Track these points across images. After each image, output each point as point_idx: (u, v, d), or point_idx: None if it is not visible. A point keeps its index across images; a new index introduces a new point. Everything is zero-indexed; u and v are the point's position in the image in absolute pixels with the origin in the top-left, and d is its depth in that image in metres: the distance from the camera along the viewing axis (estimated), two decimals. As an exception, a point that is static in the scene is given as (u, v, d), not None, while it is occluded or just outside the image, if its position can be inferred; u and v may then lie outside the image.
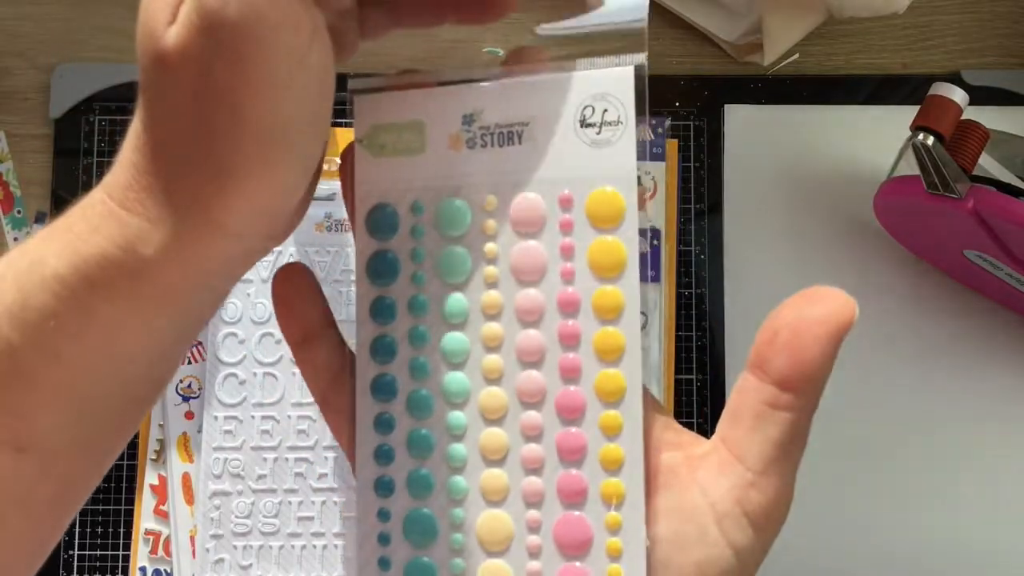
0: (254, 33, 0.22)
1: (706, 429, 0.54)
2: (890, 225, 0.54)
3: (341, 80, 0.26)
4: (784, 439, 0.25)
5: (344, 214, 0.53)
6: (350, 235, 0.50)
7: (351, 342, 0.28)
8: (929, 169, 0.46)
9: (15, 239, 0.55)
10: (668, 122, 0.56)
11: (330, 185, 0.54)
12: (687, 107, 0.57)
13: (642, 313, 0.57)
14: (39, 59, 0.57)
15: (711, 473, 0.25)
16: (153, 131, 0.24)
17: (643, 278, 0.55)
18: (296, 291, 0.28)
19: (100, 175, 0.55)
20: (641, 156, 0.26)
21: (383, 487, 0.27)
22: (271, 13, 0.22)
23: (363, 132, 0.27)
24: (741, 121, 0.57)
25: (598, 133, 0.26)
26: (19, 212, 0.56)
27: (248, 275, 0.54)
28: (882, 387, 0.55)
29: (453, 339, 0.27)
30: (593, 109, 0.26)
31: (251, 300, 0.54)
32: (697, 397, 0.55)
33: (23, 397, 0.25)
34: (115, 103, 0.56)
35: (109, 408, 0.27)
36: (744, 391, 0.25)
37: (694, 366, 0.55)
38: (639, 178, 0.56)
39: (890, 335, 0.55)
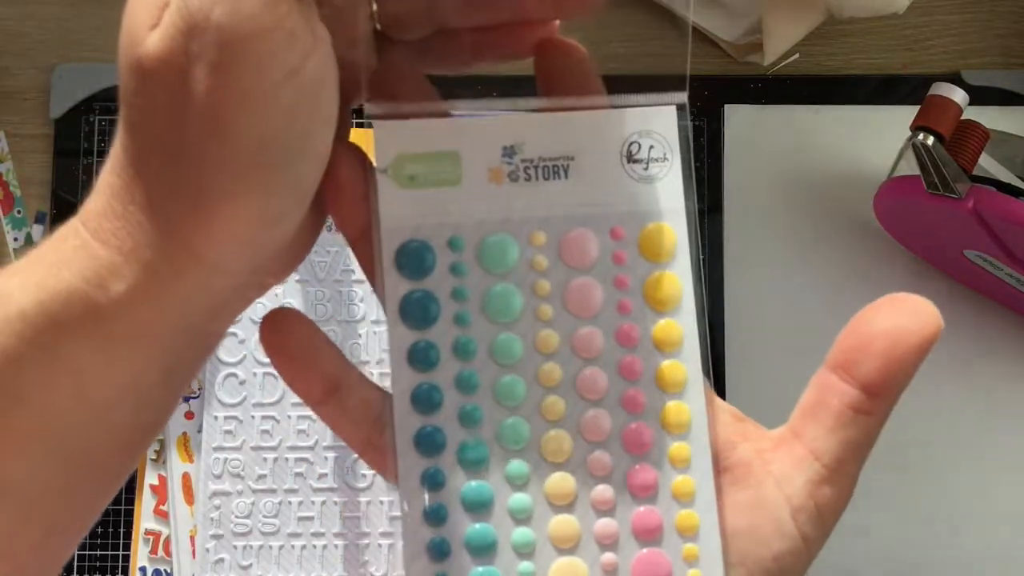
0: (242, 38, 0.20)
1: (706, 429, 0.55)
2: (890, 225, 0.54)
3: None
4: (861, 441, 0.26)
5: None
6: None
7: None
8: (929, 169, 0.46)
9: (15, 239, 0.55)
10: (668, 122, 0.56)
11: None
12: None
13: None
14: (39, 59, 0.57)
15: (786, 467, 0.25)
16: (130, 149, 0.22)
17: (643, 278, 0.55)
18: (295, 341, 0.25)
19: (100, 175, 0.55)
20: (688, 191, 0.26)
21: (437, 551, 0.24)
22: (264, 17, 0.20)
23: (387, 161, 0.25)
24: (741, 121, 0.57)
25: (646, 169, 0.26)
26: (19, 212, 0.56)
27: (248, 275, 0.54)
28: (882, 387, 0.55)
29: (508, 382, 0.25)
30: (639, 145, 0.26)
31: (251, 300, 0.53)
32: (697, 397, 0.55)
33: None
34: (115, 103, 0.56)
35: (92, 456, 0.25)
36: (825, 389, 0.26)
37: (694, 366, 0.55)
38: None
39: (890, 335, 0.55)
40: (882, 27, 0.58)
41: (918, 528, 0.54)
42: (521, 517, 0.25)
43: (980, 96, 0.53)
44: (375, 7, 0.25)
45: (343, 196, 0.25)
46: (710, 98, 0.57)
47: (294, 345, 0.25)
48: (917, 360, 0.25)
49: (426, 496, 0.25)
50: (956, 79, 0.56)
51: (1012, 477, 0.54)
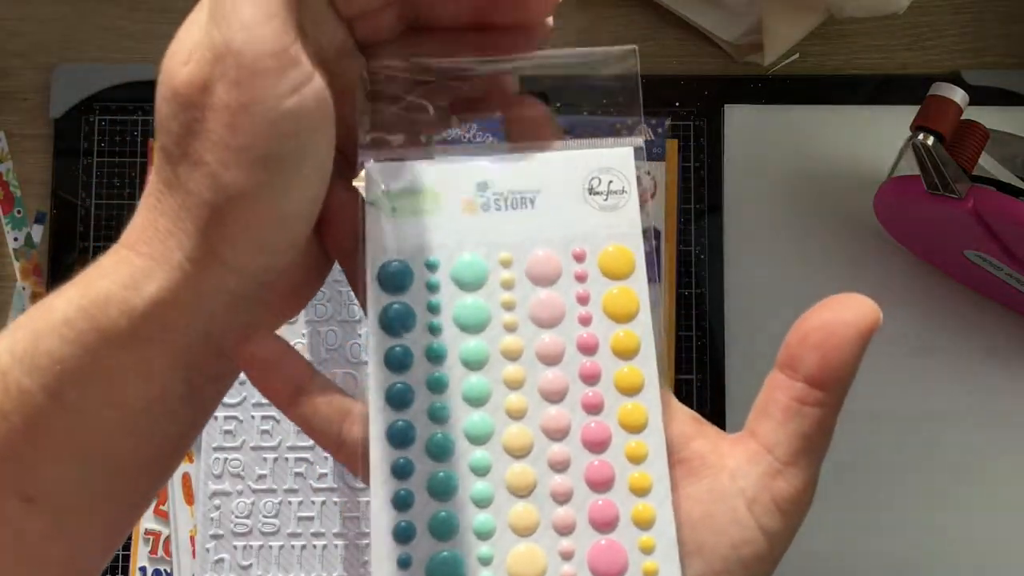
0: (256, 59, 0.24)
1: (706, 429, 0.55)
2: (890, 225, 0.54)
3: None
4: (811, 433, 0.27)
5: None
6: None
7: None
8: (929, 169, 0.46)
9: (15, 239, 0.55)
10: (668, 122, 0.56)
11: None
12: (687, 107, 0.57)
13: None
14: (39, 59, 0.57)
15: (741, 461, 0.26)
16: (162, 170, 0.26)
17: (643, 278, 0.55)
18: (263, 350, 0.28)
19: (100, 175, 0.55)
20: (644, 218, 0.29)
21: (402, 534, 0.27)
22: (275, 43, 0.24)
23: (374, 196, 0.28)
24: (741, 121, 0.57)
25: (605, 200, 0.28)
26: (19, 212, 0.56)
27: (248, 275, 0.54)
28: (882, 386, 0.55)
29: (474, 382, 0.27)
30: (600, 180, 0.29)
31: (251, 300, 0.54)
32: (697, 397, 0.55)
33: (29, 443, 0.25)
34: (115, 103, 0.56)
35: (122, 465, 0.27)
36: (774, 387, 0.27)
37: (694, 366, 0.55)
38: (637, 178, 0.56)
39: (890, 335, 0.55)
40: (882, 27, 0.58)
41: (918, 527, 0.54)
42: (483, 504, 0.27)
43: (980, 96, 0.53)
44: (343, 11, 0.28)
45: (335, 223, 0.28)
46: (710, 98, 0.57)
47: (261, 354, 0.27)
48: (856, 350, 0.26)
49: (395, 484, 0.27)
50: (956, 79, 0.56)
51: (1013, 476, 0.54)
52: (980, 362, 0.55)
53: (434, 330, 0.28)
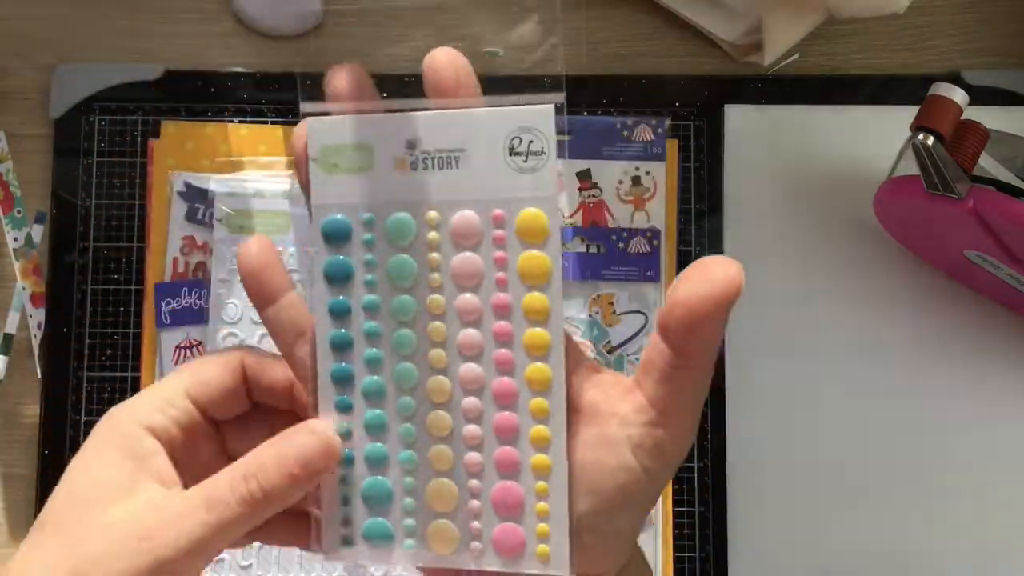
0: None
1: (706, 429, 0.55)
2: (890, 225, 0.54)
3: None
4: (686, 391, 0.29)
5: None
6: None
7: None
8: (929, 169, 0.46)
9: (15, 239, 0.55)
10: (668, 122, 0.56)
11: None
12: (687, 107, 0.57)
13: (642, 313, 0.57)
14: (39, 59, 0.57)
15: (628, 411, 0.30)
16: None
17: (643, 278, 0.55)
18: (260, 261, 0.32)
19: (100, 175, 0.55)
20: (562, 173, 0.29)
21: (344, 462, 0.31)
22: None
23: (316, 151, 0.30)
24: (741, 121, 0.57)
25: (525, 160, 0.29)
26: (19, 212, 0.56)
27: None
28: (882, 386, 0.55)
29: (403, 335, 0.30)
30: (520, 140, 0.30)
31: (251, 300, 0.54)
32: (697, 397, 0.55)
33: None
34: (115, 103, 0.56)
35: None
36: (652, 348, 0.29)
37: (694, 366, 0.55)
38: (638, 178, 0.56)
39: (890, 335, 0.55)
40: (882, 27, 0.58)
41: (918, 527, 0.54)
42: (408, 441, 0.31)
43: (980, 96, 0.53)
44: None
45: (302, 170, 0.31)
46: (710, 98, 0.57)
47: (256, 262, 0.32)
48: (715, 323, 0.28)
49: (337, 417, 0.31)
50: (956, 79, 0.56)
51: (1013, 476, 0.54)
52: (980, 362, 0.55)
53: (369, 285, 0.31)
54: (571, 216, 0.55)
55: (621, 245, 0.55)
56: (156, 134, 0.56)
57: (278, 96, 0.56)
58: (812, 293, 0.56)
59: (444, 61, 0.30)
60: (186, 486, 0.31)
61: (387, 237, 0.30)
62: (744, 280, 0.28)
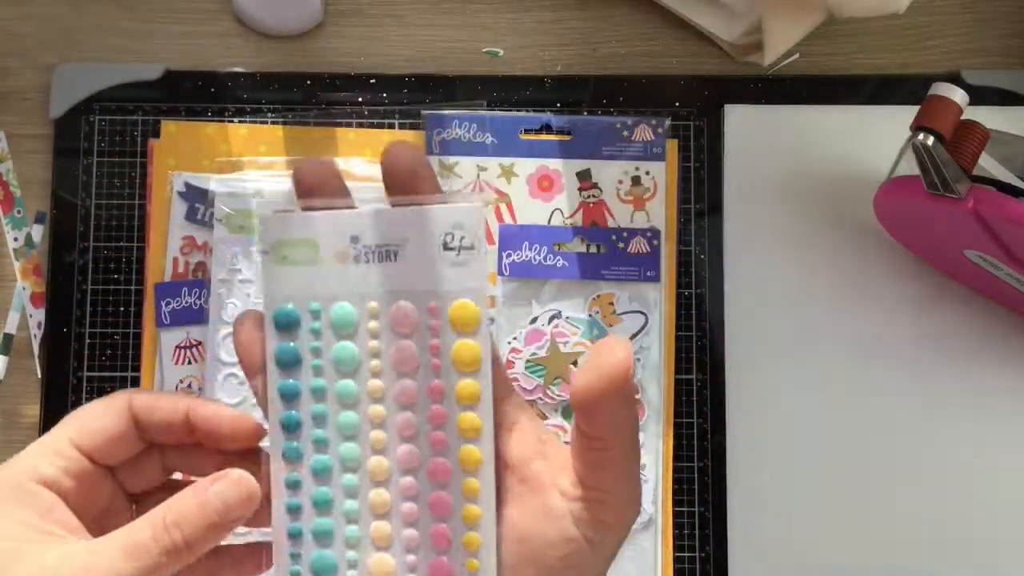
0: None
1: (705, 429, 0.55)
2: (890, 225, 0.54)
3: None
4: (611, 469, 0.30)
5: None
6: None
7: None
8: (929, 169, 0.46)
9: (15, 239, 0.55)
10: (668, 122, 0.56)
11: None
12: (687, 107, 0.57)
13: (642, 312, 0.57)
14: (39, 59, 0.57)
15: (567, 485, 0.31)
16: None
17: (643, 278, 0.55)
18: (249, 337, 0.34)
19: (100, 175, 0.55)
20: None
21: (293, 533, 0.33)
22: None
23: (268, 245, 0.33)
24: (741, 121, 0.57)
25: (457, 255, 0.32)
26: (19, 212, 0.56)
27: (249, 276, 0.54)
28: (882, 386, 0.55)
29: (346, 417, 0.33)
30: (453, 236, 0.32)
31: (251, 300, 0.54)
32: (697, 397, 0.55)
33: None
34: (115, 103, 0.56)
35: None
36: (573, 430, 0.31)
37: (694, 366, 0.55)
38: (638, 178, 0.56)
39: (890, 335, 0.55)
40: (882, 27, 0.58)
41: (917, 526, 0.54)
42: (351, 517, 0.33)
43: (980, 96, 0.53)
44: None
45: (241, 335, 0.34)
46: (710, 98, 0.57)
47: (247, 336, 0.34)
48: (612, 407, 0.29)
49: (288, 494, 0.33)
50: (956, 79, 0.56)
51: (1012, 476, 0.54)
52: (980, 362, 0.55)
53: (316, 369, 0.33)
54: (571, 216, 0.55)
55: (621, 245, 0.55)
56: (156, 134, 0.56)
57: (278, 96, 0.56)
58: (812, 293, 0.56)
59: (404, 158, 0.32)
60: (90, 532, 0.31)
61: (332, 325, 0.33)
62: (632, 362, 0.29)
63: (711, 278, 0.56)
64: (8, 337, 0.54)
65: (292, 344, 0.33)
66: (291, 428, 0.33)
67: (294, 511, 0.33)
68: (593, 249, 0.55)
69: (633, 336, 0.55)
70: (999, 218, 0.46)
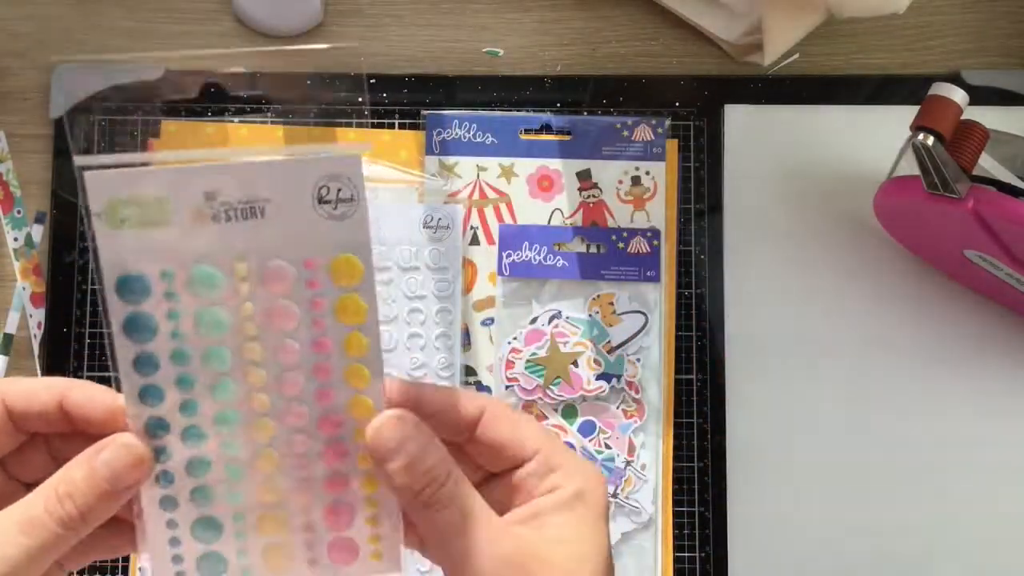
0: None
1: (705, 429, 0.55)
2: (890, 225, 0.54)
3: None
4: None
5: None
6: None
7: None
8: (929, 169, 0.46)
9: (15, 239, 0.55)
10: (668, 122, 0.56)
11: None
12: (687, 107, 0.57)
13: (642, 312, 0.57)
14: (39, 59, 0.57)
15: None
16: None
17: (643, 278, 0.55)
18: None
19: (100, 175, 0.56)
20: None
21: (168, 503, 0.31)
22: None
23: (100, 206, 0.29)
24: (741, 121, 0.57)
25: (335, 208, 0.29)
26: (19, 212, 0.56)
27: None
28: (882, 386, 0.55)
29: (220, 384, 0.31)
30: (328, 188, 0.29)
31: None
32: (697, 397, 0.55)
33: None
34: (115, 103, 0.56)
35: None
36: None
37: (694, 366, 0.55)
38: (638, 178, 0.56)
39: (890, 335, 0.55)
40: (882, 27, 0.58)
41: (917, 526, 0.54)
42: (232, 485, 0.31)
43: (980, 96, 0.53)
44: None
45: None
46: (710, 98, 0.57)
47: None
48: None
49: (159, 467, 0.31)
50: (956, 79, 0.56)
51: (1011, 476, 0.54)
52: (980, 362, 0.55)
53: (177, 336, 0.30)
54: (571, 216, 0.55)
55: (621, 245, 0.55)
56: (156, 134, 0.56)
57: (278, 96, 0.56)
58: (812, 293, 0.56)
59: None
60: None
61: (190, 289, 0.30)
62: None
63: (711, 278, 0.56)
64: (8, 337, 0.54)
65: (144, 312, 0.30)
66: (151, 400, 0.30)
67: (166, 480, 0.31)
68: (593, 249, 0.55)
69: (633, 336, 0.55)
70: (999, 218, 0.46)
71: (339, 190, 0.29)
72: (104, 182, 0.29)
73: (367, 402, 0.31)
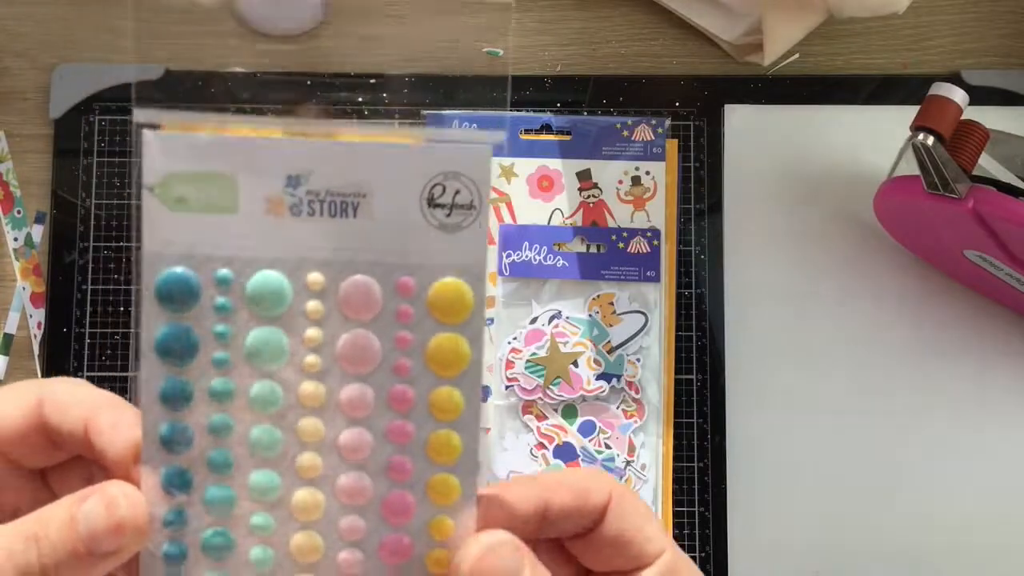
0: None
1: (705, 429, 0.55)
2: (890, 225, 0.54)
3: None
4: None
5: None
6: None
7: None
8: (929, 169, 0.46)
9: (15, 239, 0.55)
10: (668, 122, 0.56)
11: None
12: (687, 107, 0.57)
13: (642, 312, 0.57)
14: (39, 59, 0.57)
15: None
16: None
17: (643, 278, 0.55)
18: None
19: (100, 175, 0.55)
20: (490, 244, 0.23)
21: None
22: None
23: (156, 178, 0.22)
24: (741, 121, 0.57)
25: (448, 215, 0.23)
26: (19, 212, 0.56)
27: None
28: (882, 386, 0.55)
29: (263, 431, 0.23)
30: (444, 188, 0.23)
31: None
32: (697, 397, 0.55)
33: None
34: (115, 103, 0.56)
35: None
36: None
37: (694, 366, 0.55)
38: (638, 178, 0.56)
39: (890, 335, 0.55)
40: (882, 27, 0.58)
41: (917, 527, 0.54)
42: (262, 569, 0.24)
43: (980, 96, 0.53)
44: None
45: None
46: (710, 98, 0.57)
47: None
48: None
49: (167, 534, 0.24)
50: (956, 79, 0.56)
51: (1012, 475, 0.54)
52: (980, 362, 0.55)
53: (219, 365, 0.23)
54: (571, 216, 0.55)
55: (621, 245, 0.55)
56: (156, 134, 0.56)
57: (278, 96, 0.56)
58: (812, 293, 0.56)
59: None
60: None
61: (249, 303, 0.23)
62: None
63: (711, 278, 0.56)
64: (8, 337, 0.54)
65: (184, 325, 0.23)
66: (175, 445, 0.23)
67: (176, 558, 0.23)
68: (593, 249, 0.55)
69: (633, 336, 0.55)
70: (999, 218, 0.46)
71: (456, 192, 0.23)
72: (166, 148, 0.23)
73: (452, 483, 0.24)
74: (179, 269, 0.23)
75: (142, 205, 0.23)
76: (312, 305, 0.23)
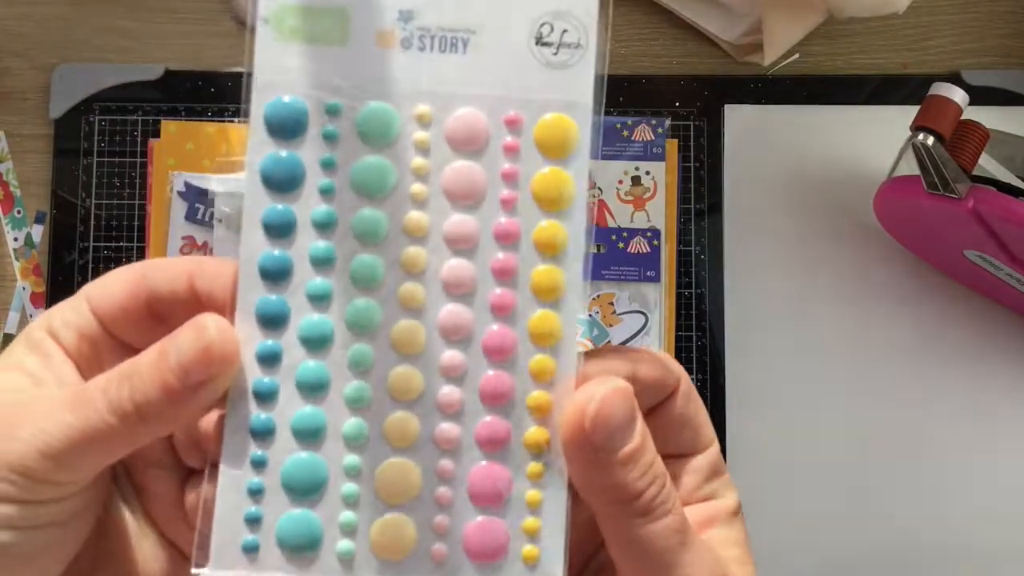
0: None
1: (706, 429, 0.55)
2: (890, 225, 0.54)
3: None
4: None
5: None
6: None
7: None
8: (929, 169, 0.46)
9: (15, 239, 0.55)
10: (668, 122, 0.56)
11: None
12: (687, 107, 0.57)
13: (642, 312, 0.57)
14: (39, 59, 0.57)
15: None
16: None
17: (643, 278, 0.55)
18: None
19: (100, 175, 0.55)
20: (600, 92, 0.24)
21: (260, 429, 0.23)
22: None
23: (270, 10, 0.23)
24: (741, 121, 0.57)
25: (555, 54, 0.24)
26: (19, 212, 0.56)
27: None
28: (882, 386, 0.55)
29: (365, 261, 0.23)
30: (551, 27, 0.24)
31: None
32: (697, 397, 0.55)
33: None
34: (115, 103, 0.56)
35: None
36: None
37: (694, 366, 0.55)
38: (638, 178, 0.56)
39: (890, 335, 0.55)
40: (882, 27, 0.58)
41: (917, 527, 0.54)
42: (356, 407, 0.23)
43: (980, 96, 0.53)
44: None
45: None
46: (710, 98, 0.57)
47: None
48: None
49: (259, 371, 0.23)
50: (956, 79, 0.56)
51: (1011, 475, 0.54)
52: (980, 362, 0.55)
53: (325, 192, 0.23)
54: (571, 216, 0.55)
55: (621, 245, 0.55)
56: (156, 134, 0.56)
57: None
58: (812, 293, 0.56)
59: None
60: None
61: (358, 131, 0.23)
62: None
63: (711, 278, 0.56)
64: (8, 337, 0.54)
65: (291, 153, 0.23)
66: (275, 275, 0.23)
67: (265, 396, 0.23)
68: (593, 249, 0.55)
69: (633, 336, 0.55)
70: (999, 218, 0.46)
71: (564, 32, 0.24)
72: None
73: (553, 320, 0.23)
74: (288, 98, 0.23)
75: (255, 36, 0.23)
76: (420, 136, 0.24)
